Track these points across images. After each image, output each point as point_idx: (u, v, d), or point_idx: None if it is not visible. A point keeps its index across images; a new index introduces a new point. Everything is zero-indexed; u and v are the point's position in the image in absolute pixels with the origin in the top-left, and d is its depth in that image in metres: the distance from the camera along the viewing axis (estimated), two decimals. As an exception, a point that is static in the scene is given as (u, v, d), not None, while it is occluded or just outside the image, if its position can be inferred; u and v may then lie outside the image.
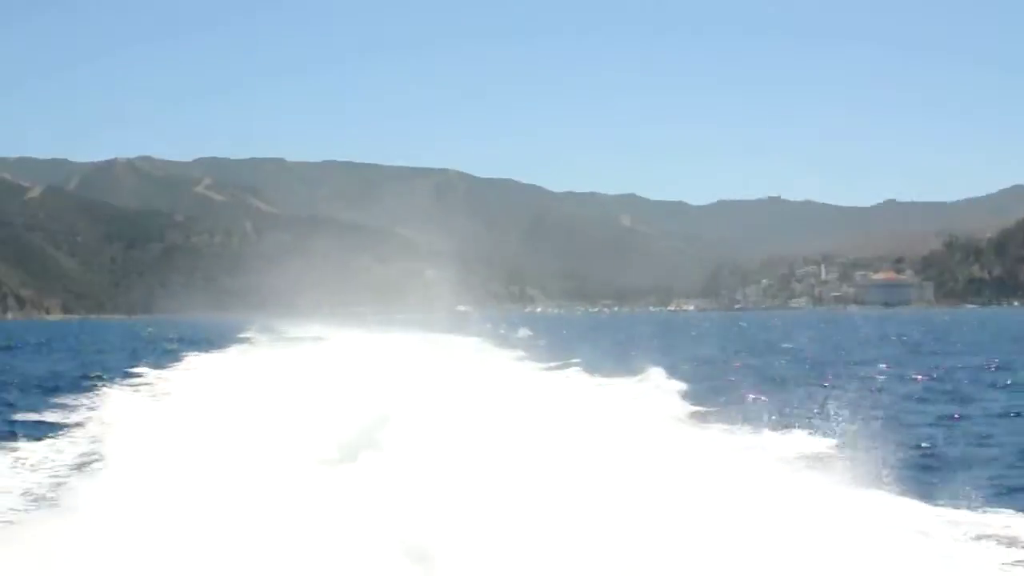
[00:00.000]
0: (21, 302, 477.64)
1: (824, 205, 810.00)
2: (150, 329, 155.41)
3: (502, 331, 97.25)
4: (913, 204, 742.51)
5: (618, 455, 20.76)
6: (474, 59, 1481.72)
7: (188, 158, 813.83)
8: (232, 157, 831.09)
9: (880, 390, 42.91)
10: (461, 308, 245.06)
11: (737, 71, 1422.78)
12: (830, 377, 49.45)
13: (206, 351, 79.19)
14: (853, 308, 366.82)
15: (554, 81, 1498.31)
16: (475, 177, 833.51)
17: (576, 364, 55.21)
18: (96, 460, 24.84)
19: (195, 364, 64.33)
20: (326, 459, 21.65)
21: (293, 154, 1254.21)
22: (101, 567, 12.43)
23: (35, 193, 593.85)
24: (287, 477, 19.03)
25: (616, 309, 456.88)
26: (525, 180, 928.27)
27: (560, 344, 72.22)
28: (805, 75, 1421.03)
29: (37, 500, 20.13)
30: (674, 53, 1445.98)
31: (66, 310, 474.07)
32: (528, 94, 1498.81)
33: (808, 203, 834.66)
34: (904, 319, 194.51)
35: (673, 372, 43.29)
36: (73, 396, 42.04)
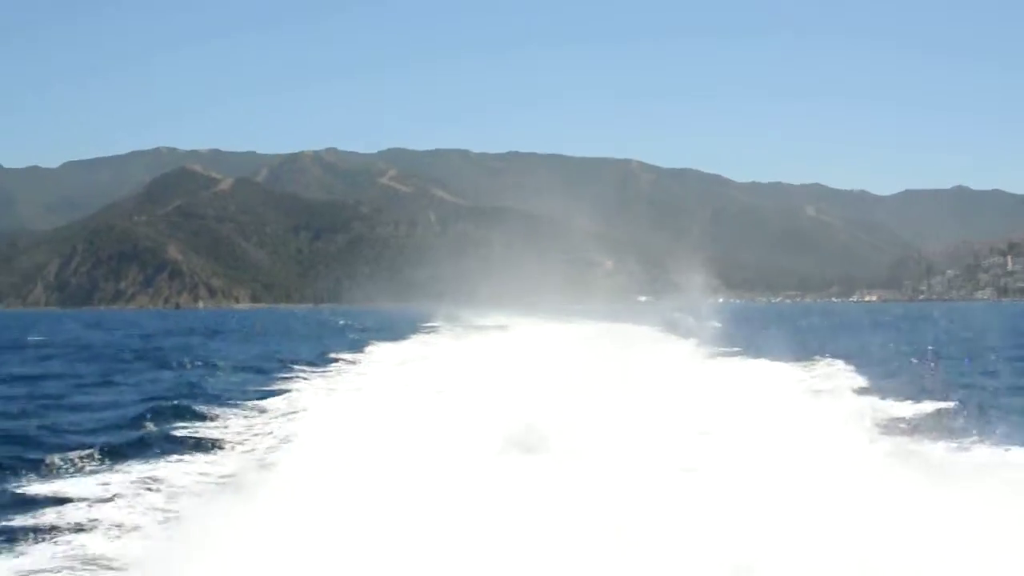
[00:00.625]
0: (212, 291, 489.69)
1: (1012, 194, 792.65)
2: (341, 321, 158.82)
3: (689, 320, 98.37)
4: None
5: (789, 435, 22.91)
6: (659, 52, 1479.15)
7: (373, 150, 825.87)
8: (416, 148, 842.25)
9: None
10: (642, 298, 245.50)
11: (924, 61, 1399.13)
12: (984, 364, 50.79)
13: (393, 340, 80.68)
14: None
15: (737, 73, 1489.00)
16: (658, 167, 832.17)
17: (753, 352, 56.20)
18: (308, 412, 31.49)
19: (384, 351, 66.08)
20: (510, 439, 22.73)
21: (477, 145, 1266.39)
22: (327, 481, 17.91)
23: (226, 185, 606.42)
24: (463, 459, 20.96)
25: (799, 299, 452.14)
26: (707, 170, 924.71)
27: (737, 333, 73.04)
28: (992, 64, 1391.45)
29: (284, 440, 26.18)
30: (861, 48, 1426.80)
31: (255, 299, 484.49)
32: (710, 85, 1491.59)
33: (995, 192, 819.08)
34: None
35: (844, 359, 44.66)
36: (279, 375, 45.97)
